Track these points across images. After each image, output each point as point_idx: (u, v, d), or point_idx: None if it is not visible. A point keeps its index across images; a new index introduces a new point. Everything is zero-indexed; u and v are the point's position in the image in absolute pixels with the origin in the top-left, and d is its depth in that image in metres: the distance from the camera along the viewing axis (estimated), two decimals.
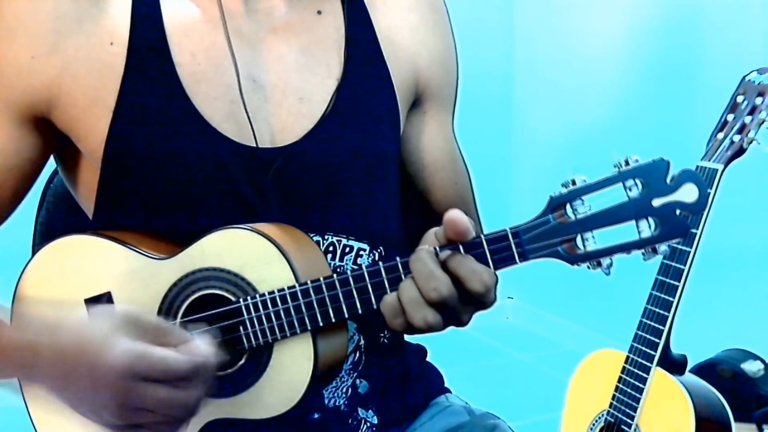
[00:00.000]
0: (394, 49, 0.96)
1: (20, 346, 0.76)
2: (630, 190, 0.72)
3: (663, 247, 0.73)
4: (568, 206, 0.74)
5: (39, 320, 0.78)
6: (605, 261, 0.74)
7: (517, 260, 0.75)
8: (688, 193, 0.71)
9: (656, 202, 0.72)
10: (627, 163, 0.72)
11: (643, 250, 0.73)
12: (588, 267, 0.75)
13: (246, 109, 0.88)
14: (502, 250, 0.75)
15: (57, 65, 0.85)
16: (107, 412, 0.73)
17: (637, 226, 0.72)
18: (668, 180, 0.71)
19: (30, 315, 0.82)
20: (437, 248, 0.76)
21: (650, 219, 0.72)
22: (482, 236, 0.75)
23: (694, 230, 1.38)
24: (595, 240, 0.74)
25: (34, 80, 0.85)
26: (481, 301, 0.76)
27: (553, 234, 0.74)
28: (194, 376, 0.72)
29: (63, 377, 0.74)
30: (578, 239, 0.74)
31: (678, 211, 0.71)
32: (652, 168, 0.71)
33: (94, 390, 0.72)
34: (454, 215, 0.76)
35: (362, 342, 0.95)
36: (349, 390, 0.95)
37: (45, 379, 0.76)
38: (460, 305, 0.76)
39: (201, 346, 0.73)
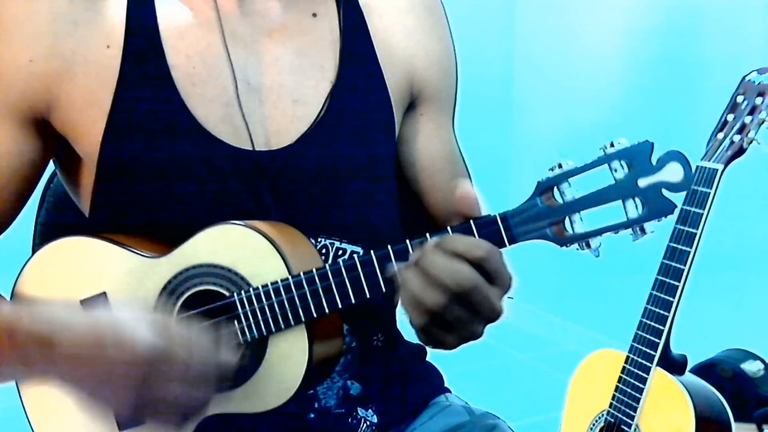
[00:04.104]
0: (389, 52, 0.96)
1: (52, 322, 0.75)
2: (616, 171, 0.73)
3: (651, 227, 0.74)
4: (555, 189, 0.75)
5: (61, 306, 0.79)
6: (594, 242, 0.75)
7: (507, 243, 0.76)
8: (673, 173, 0.72)
9: (642, 183, 0.73)
10: (612, 145, 0.74)
11: (631, 230, 0.74)
12: (577, 248, 0.76)
13: (243, 112, 0.88)
14: (492, 234, 0.76)
15: (55, 67, 0.85)
16: (122, 396, 0.73)
17: (624, 207, 0.74)
18: (653, 161, 0.72)
19: (50, 303, 0.82)
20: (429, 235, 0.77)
21: (636, 199, 0.73)
22: (471, 220, 0.76)
23: (694, 230, 1.38)
24: (583, 222, 0.75)
25: (33, 82, 0.85)
26: (472, 300, 0.74)
27: (542, 217, 0.75)
28: (212, 376, 0.74)
29: (86, 357, 0.73)
30: (566, 221, 0.76)
31: (663, 191, 0.72)
32: (636, 150, 0.73)
33: (114, 372, 0.72)
34: (464, 189, 0.76)
35: (354, 344, 0.95)
36: (340, 391, 0.95)
37: (66, 359, 0.74)
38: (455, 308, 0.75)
39: (228, 356, 0.76)
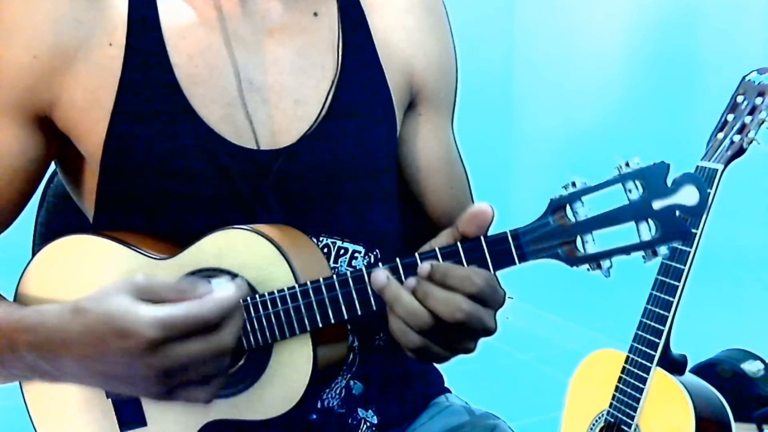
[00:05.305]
0: (389, 51, 0.96)
1: (48, 332, 0.75)
2: (630, 192, 0.72)
3: (663, 250, 0.72)
4: (568, 208, 0.74)
5: (59, 307, 0.78)
6: (605, 263, 0.74)
7: (517, 261, 0.75)
8: (688, 196, 0.71)
9: (656, 205, 0.71)
10: (627, 165, 0.72)
11: (643, 252, 0.73)
12: (588, 269, 0.75)
13: (247, 112, 0.88)
14: (502, 252, 0.75)
15: (57, 65, 0.85)
16: (148, 381, 0.73)
17: (637, 229, 0.72)
18: (668, 182, 0.71)
19: (48, 305, 0.81)
20: (419, 256, 0.76)
21: (650, 221, 0.72)
22: (482, 238, 0.75)
23: (694, 230, 1.38)
24: (595, 242, 0.74)
25: (36, 80, 0.85)
26: (469, 328, 0.74)
27: (553, 236, 0.74)
28: (223, 319, 0.74)
29: (94, 357, 0.73)
30: (578, 241, 0.74)
31: (678, 213, 0.71)
32: (652, 170, 0.71)
33: (129, 364, 0.72)
34: (482, 208, 0.75)
35: (356, 344, 0.95)
36: (343, 391, 0.95)
37: (74, 364, 0.75)
38: (446, 333, 0.75)
39: (224, 289, 0.74)
